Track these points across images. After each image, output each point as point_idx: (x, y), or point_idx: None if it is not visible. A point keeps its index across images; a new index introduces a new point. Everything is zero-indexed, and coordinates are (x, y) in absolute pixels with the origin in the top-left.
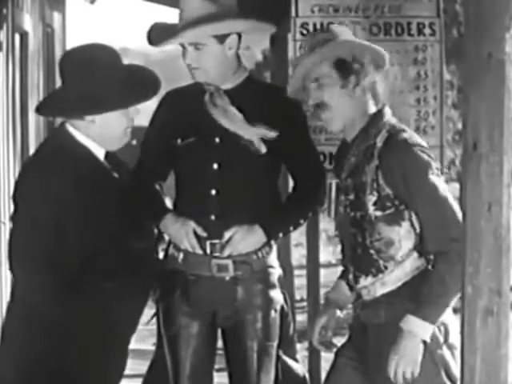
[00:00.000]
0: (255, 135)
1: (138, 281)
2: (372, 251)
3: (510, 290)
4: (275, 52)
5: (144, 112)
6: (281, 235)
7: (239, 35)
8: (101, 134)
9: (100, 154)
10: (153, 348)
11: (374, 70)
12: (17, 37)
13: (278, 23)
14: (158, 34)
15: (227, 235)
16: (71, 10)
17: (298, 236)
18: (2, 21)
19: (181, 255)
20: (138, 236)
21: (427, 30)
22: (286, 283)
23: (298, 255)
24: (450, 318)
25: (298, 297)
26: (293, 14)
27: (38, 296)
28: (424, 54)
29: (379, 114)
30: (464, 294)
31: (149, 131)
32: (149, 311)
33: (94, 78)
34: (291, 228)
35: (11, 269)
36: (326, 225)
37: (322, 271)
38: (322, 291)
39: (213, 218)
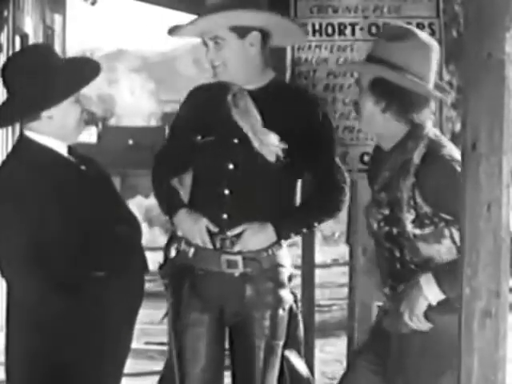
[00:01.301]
0: (264, 147)
1: (128, 267)
2: (412, 266)
3: (509, 291)
4: (274, 52)
5: (139, 112)
6: (292, 236)
7: (264, 34)
8: (61, 127)
9: (63, 150)
10: (145, 347)
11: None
12: (17, 38)
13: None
14: (178, 26)
15: (237, 230)
16: (71, 12)
17: None
18: (2, 23)
19: (191, 250)
20: (120, 222)
21: (427, 31)
22: None
23: (293, 255)
24: None
25: None
26: (292, 14)
27: (31, 296)
28: None
29: (420, 125)
30: (462, 295)
31: (174, 124)
32: (148, 311)
33: (38, 75)
34: (304, 230)
35: (2, 274)
36: (322, 224)
37: (318, 271)
38: (318, 291)
39: (225, 216)
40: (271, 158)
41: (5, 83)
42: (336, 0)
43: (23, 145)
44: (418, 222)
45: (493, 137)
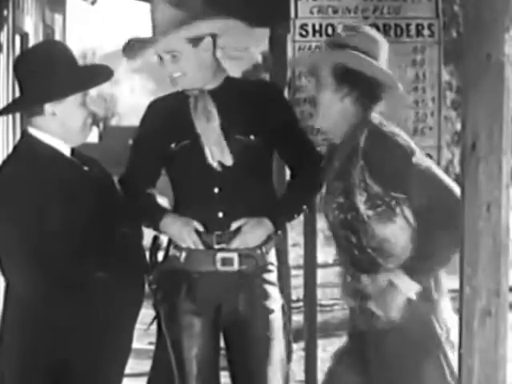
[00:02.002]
0: (213, 155)
1: (130, 267)
2: (369, 250)
3: (509, 290)
4: (274, 53)
5: (139, 112)
6: (286, 223)
7: (214, 37)
8: (63, 127)
9: (66, 151)
10: (148, 347)
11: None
12: (17, 38)
13: (270, 25)
14: (132, 47)
15: (235, 225)
16: (71, 12)
17: (296, 236)
18: (2, 22)
19: (183, 254)
20: (122, 222)
21: (426, 31)
22: (283, 283)
23: (296, 255)
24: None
25: (294, 297)
26: (292, 15)
27: (32, 296)
28: (422, 55)
29: (367, 114)
30: (462, 295)
31: (138, 138)
32: (151, 312)
33: (46, 68)
34: (295, 215)
35: (3, 273)
36: (324, 224)
37: (320, 271)
38: (319, 291)
39: (221, 215)
40: (228, 162)
41: (16, 76)
42: (336, 0)
43: (26, 142)
44: (370, 202)
45: (492, 137)
